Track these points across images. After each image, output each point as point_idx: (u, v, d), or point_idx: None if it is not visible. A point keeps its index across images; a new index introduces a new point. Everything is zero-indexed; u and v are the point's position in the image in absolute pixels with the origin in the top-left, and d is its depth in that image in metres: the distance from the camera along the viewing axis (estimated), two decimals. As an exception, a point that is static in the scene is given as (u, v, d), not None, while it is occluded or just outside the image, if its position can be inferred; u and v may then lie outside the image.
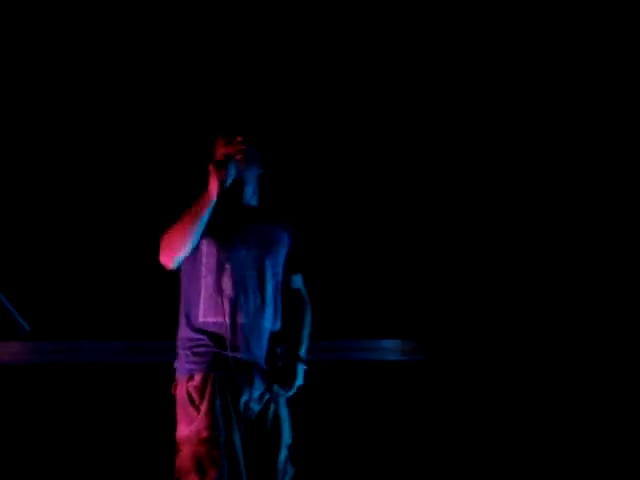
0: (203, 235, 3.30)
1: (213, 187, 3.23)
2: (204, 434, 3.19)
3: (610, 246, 4.61)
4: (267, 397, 3.35)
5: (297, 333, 3.47)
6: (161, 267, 3.34)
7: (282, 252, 3.46)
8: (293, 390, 3.39)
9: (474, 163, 4.69)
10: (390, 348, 4.37)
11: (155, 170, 4.44)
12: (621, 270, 4.59)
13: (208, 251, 3.34)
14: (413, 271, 4.63)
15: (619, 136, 4.61)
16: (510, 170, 4.68)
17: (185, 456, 3.21)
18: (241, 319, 3.30)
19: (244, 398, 3.29)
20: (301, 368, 3.40)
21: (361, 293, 4.57)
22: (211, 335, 3.29)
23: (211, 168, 3.25)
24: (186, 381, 3.28)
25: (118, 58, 4.46)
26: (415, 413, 4.47)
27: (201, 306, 3.32)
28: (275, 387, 3.36)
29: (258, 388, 3.32)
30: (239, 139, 3.36)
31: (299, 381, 3.40)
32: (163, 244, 3.32)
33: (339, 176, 4.63)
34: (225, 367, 3.27)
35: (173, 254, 3.31)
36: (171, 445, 3.28)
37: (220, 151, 3.40)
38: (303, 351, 3.45)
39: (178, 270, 3.40)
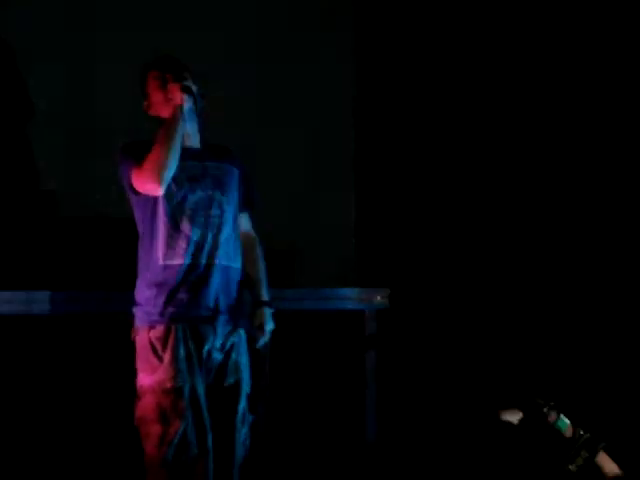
0: None
1: (179, 98, 3.26)
2: (168, 385, 3.16)
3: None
4: (228, 346, 3.32)
5: (255, 276, 3.44)
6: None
7: (235, 189, 3.42)
8: (267, 336, 3.38)
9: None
10: (350, 297, 4.36)
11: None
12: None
13: (163, 194, 3.26)
14: (374, 220, 4.63)
15: (619, 136, 4.61)
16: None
17: (148, 406, 3.18)
18: (203, 260, 3.26)
19: (207, 347, 3.26)
20: (268, 312, 3.38)
21: (321, 241, 4.55)
22: (173, 280, 3.23)
23: (175, 86, 3.27)
24: (147, 330, 3.24)
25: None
26: (376, 361, 4.48)
27: (160, 250, 3.26)
28: (241, 333, 3.34)
29: (221, 336, 3.29)
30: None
31: (270, 325, 3.38)
32: (147, 168, 3.21)
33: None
34: (188, 318, 3.23)
35: (163, 172, 3.20)
36: (130, 394, 3.25)
37: (153, 83, 3.37)
38: (265, 294, 3.41)
39: (134, 216, 3.34)
